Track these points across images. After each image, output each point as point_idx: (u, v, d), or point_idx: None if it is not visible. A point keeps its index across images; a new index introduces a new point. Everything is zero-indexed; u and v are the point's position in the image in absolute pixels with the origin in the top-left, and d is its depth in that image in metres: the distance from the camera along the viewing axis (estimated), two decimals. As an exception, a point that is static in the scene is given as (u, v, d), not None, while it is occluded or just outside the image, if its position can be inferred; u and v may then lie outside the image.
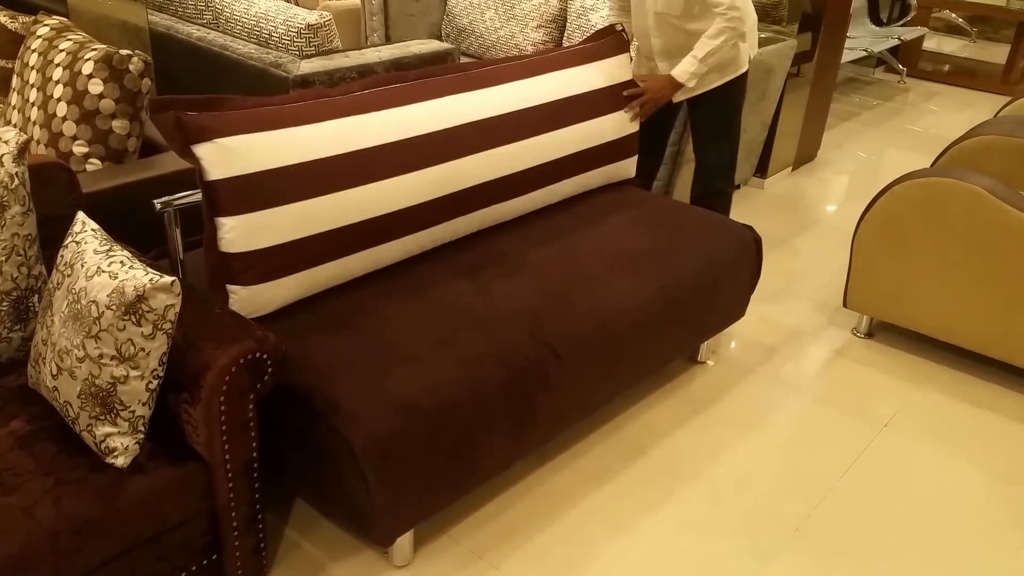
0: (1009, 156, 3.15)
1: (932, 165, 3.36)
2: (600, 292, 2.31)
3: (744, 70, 2.94)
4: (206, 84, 3.22)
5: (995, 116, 3.71)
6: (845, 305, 3.10)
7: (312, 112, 2.09)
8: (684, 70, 2.77)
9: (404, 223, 2.25)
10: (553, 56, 2.72)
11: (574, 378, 2.19)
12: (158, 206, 2.14)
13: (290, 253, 2.03)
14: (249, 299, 2.00)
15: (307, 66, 2.94)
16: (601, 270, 2.40)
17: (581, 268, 2.39)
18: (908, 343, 3.11)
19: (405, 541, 2.03)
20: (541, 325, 2.15)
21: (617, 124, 2.82)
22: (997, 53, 7.47)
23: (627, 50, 2.89)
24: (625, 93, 2.84)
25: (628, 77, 2.87)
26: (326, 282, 2.15)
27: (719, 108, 2.96)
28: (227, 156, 1.92)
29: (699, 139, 3.05)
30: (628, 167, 2.96)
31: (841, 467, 2.48)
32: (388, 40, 4.41)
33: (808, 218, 4.15)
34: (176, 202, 2.15)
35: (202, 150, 1.90)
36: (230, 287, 1.99)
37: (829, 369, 2.95)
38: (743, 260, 2.72)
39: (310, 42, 3.04)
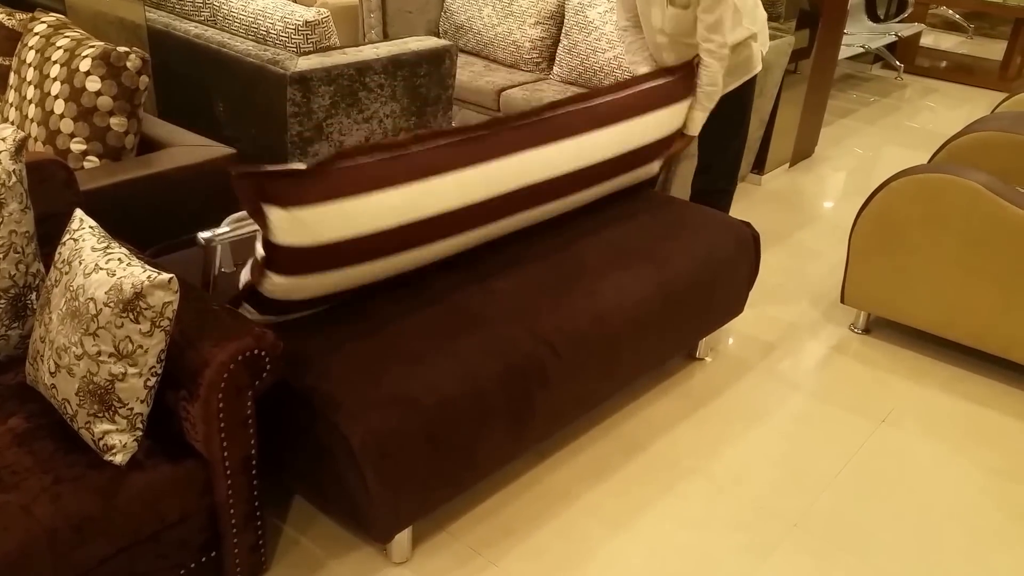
0: (1006, 152, 3.16)
1: (929, 161, 3.36)
2: (599, 289, 2.31)
3: (757, 71, 2.93)
4: (204, 81, 3.22)
5: (992, 112, 3.72)
6: (843, 301, 3.10)
7: (387, 175, 2.00)
8: (697, 124, 2.84)
9: (434, 265, 2.28)
10: (631, 99, 2.59)
11: (573, 375, 2.19)
12: (203, 240, 2.15)
13: (319, 299, 2.05)
14: (259, 321, 2.01)
15: (305, 63, 2.94)
16: (600, 267, 2.40)
17: (580, 265, 2.39)
18: (905, 339, 3.11)
19: (404, 538, 2.03)
20: (540, 322, 2.15)
21: (655, 167, 2.88)
22: (994, 49, 7.47)
23: (694, 91, 2.82)
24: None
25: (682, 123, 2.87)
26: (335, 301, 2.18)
27: (731, 108, 2.94)
28: (297, 227, 1.86)
29: (708, 137, 3.02)
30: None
31: (839, 462, 2.48)
32: (386, 37, 4.41)
33: (805, 214, 4.16)
34: (220, 236, 2.16)
35: (274, 215, 1.82)
36: (247, 305, 2.00)
37: (827, 365, 2.95)
38: (741, 256, 2.73)
39: (308, 39, 3.04)
